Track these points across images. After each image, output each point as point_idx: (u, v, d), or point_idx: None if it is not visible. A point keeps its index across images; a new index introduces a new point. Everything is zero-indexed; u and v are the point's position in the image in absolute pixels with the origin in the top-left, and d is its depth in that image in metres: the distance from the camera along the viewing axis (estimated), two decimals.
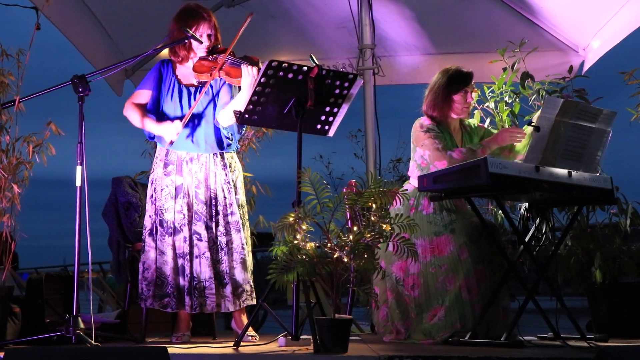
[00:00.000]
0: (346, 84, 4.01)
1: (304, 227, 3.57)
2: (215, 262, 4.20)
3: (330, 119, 4.11)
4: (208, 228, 4.22)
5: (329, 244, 3.57)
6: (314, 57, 3.95)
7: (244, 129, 4.53)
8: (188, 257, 4.18)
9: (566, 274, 4.70)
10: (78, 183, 3.83)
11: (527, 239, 4.07)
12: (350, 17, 5.58)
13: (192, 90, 4.33)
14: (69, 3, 5.28)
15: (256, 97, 3.90)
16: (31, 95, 4.16)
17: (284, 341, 3.86)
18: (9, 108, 4.21)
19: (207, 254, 4.19)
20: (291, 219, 3.59)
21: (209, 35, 4.31)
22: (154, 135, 4.35)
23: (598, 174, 4.02)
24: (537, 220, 4.13)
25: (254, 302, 4.26)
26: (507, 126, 4.88)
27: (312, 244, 3.57)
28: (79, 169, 3.83)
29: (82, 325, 3.72)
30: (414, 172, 4.34)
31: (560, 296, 4.02)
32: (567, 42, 5.80)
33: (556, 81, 4.93)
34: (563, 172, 3.84)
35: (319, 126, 4.12)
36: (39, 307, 4.29)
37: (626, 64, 4.84)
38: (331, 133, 4.17)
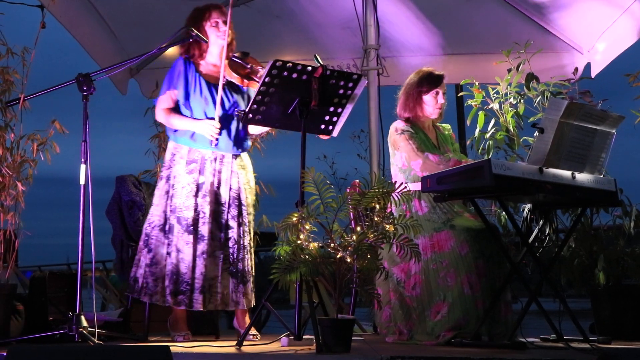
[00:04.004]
0: (350, 84, 4.02)
1: (307, 227, 3.58)
2: (234, 261, 4.24)
3: (334, 119, 4.11)
4: (227, 227, 4.26)
5: (332, 244, 3.57)
6: (318, 57, 3.96)
7: None
8: (206, 255, 4.19)
9: (569, 276, 4.69)
10: (82, 181, 3.83)
11: (530, 241, 4.07)
12: (355, 17, 5.58)
13: (222, 91, 4.32)
14: (75, 1, 5.28)
15: (260, 97, 3.90)
16: (36, 94, 4.17)
17: (286, 341, 3.86)
18: (14, 106, 4.22)
19: (221, 254, 4.22)
20: (294, 218, 3.59)
21: (224, 22, 4.34)
22: (176, 131, 4.35)
23: (602, 176, 4.02)
24: (541, 222, 4.13)
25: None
26: (511, 127, 4.88)
27: (315, 244, 3.57)
28: (82, 167, 3.84)
29: (85, 324, 3.73)
30: (397, 177, 4.36)
31: (564, 298, 4.01)
32: (572, 43, 5.79)
33: (561, 82, 4.93)
34: (567, 173, 3.83)
35: (322, 126, 4.12)
36: (42, 305, 4.30)
37: (631, 66, 4.84)
38: (335, 133, 4.18)
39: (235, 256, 4.25)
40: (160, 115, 4.37)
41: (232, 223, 4.28)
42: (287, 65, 3.84)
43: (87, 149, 3.87)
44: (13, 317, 4.17)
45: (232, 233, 4.26)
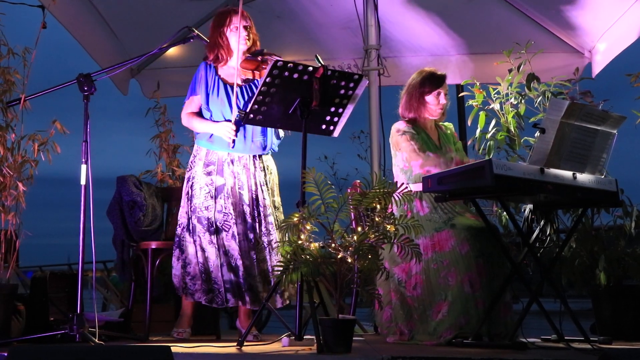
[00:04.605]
0: (351, 85, 4.02)
1: (308, 227, 3.58)
2: (259, 261, 4.27)
3: (335, 119, 4.11)
4: (253, 228, 4.29)
5: (333, 244, 3.57)
6: (319, 58, 3.95)
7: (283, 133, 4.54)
8: (240, 255, 4.24)
9: (570, 276, 4.69)
10: (83, 182, 3.84)
11: (531, 241, 4.07)
12: (356, 17, 5.58)
13: (237, 89, 4.35)
14: (75, 2, 5.29)
15: (261, 97, 3.90)
16: (37, 94, 4.17)
17: (287, 341, 3.86)
18: (15, 106, 4.22)
19: (253, 253, 4.26)
20: (295, 219, 3.59)
21: (245, 27, 4.38)
22: (198, 133, 4.42)
23: (603, 176, 4.02)
24: (542, 222, 4.13)
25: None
26: (512, 128, 4.88)
27: (316, 244, 3.57)
28: (83, 167, 3.84)
29: (86, 324, 3.73)
30: (398, 177, 4.36)
31: (564, 298, 4.01)
32: (573, 44, 5.80)
33: (562, 83, 4.92)
34: (568, 174, 3.83)
35: (323, 126, 4.12)
36: (43, 305, 4.30)
37: (632, 66, 4.84)
38: (336, 133, 4.18)
39: (257, 256, 4.28)
40: (185, 119, 4.48)
41: (256, 224, 4.31)
42: (288, 65, 3.84)
43: (88, 149, 3.87)
44: (14, 317, 4.16)
45: (256, 233, 4.30)
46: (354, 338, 3.60)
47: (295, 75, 3.87)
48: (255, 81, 4.39)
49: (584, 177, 3.89)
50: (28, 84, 4.31)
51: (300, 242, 3.55)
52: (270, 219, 4.35)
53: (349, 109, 4.10)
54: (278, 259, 4.27)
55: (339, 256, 3.54)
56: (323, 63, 3.91)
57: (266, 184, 4.38)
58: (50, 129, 4.27)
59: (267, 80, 3.85)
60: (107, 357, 2.93)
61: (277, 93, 3.91)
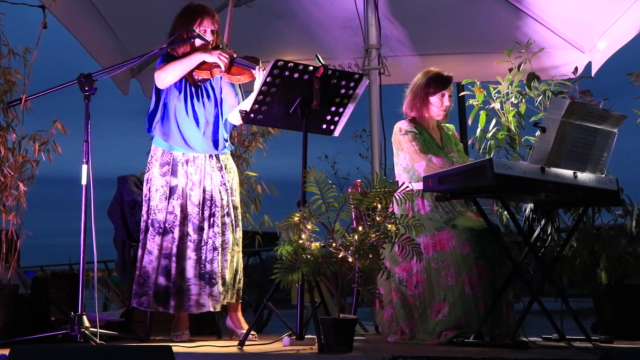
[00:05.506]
0: (352, 84, 4.02)
1: (309, 226, 3.58)
2: (204, 263, 4.19)
3: (336, 118, 4.11)
4: (200, 229, 4.22)
5: (333, 244, 3.57)
6: (319, 57, 3.96)
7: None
8: (175, 258, 4.18)
9: (571, 276, 4.69)
10: (84, 181, 3.84)
11: (532, 240, 4.07)
12: (356, 17, 5.58)
13: (194, 89, 4.31)
14: (76, 2, 5.29)
15: (262, 97, 3.91)
16: (38, 94, 4.18)
17: (288, 341, 3.86)
18: (16, 106, 4.22)
19: (194, 256, 4.19)
20: (296, 218, 3.59)
21: (212, 31, 4.33)
22: (153, 133, 4.36)
23: (604, 175, 4.02)
24: (543, 222, 4.13)
25: (240, 300, 4.30)
26: (512, 127, 4.88)
27: (317, 243, 3.57)
28: (84, 167, 3.85)
29: (87, 324, 3.73)
30: (401, 176, 4.36)
31: (566, 297, 4.01)
32: (573, 42, 5.79)
33: (562, 82, 4.92)
34: (568, 173, 3.83)
35: (324, 126, 4.12)
36: (44, 305, 4.30)
37: (633, 65, 4.84)
38: (337, 133, 4.18)
39: (204, 257, 4.21)
40: (162, 72, 4.21)
41: (205, 225, 4.24)
42: (289, 65, 3.84)
43: (88, 149, 3.87)
44: (15, 317, 4.16)
45: (204, 234, 4.23)
46: (355, 337, 3.61)
47: (296, 75, 3.87)
48: (210, 81, 4.33)
49: (584, 176, 3.89)
50: (29, 84, 4.32)
51: (301, 241, 3.55)
52: (227, 219, 4.27)
53: (350, 108, 4.10)
54: (227, 259, 4.25)
55: (339, 256, 3.54)
56: (323, 62, 3.91)
57: (224, 184, 4.31)
58: (51, 129, 4.28)
59: (268, 80, 3.85)
60: (108, 357, 2.93)
61: (278, 93, 3.91)
